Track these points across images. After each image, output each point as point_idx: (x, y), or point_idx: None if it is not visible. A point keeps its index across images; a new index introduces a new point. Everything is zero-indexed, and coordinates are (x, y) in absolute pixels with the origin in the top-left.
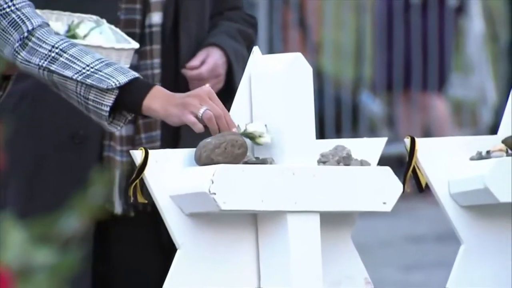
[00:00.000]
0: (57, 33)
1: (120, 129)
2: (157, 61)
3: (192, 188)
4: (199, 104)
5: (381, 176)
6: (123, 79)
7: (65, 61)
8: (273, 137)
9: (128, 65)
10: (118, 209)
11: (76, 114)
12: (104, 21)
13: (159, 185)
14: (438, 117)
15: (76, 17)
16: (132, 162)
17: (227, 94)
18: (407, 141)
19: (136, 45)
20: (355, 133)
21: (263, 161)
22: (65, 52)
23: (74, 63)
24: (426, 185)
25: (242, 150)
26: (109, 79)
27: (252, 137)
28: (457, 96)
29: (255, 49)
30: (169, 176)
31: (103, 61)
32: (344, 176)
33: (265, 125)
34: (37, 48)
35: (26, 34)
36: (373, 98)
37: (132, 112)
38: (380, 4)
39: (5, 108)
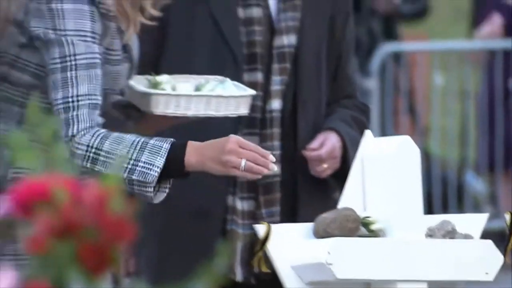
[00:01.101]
0: (91, 127)
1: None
2: (277, 143)
3: (311, 259)
4: (237, 159)
5: (483, 249)
6: (160, 162)
7: (104, 159)
8: (385, 222)
9: (247, 111)
10: (239, 277)
11: (202, 192)
12: (228, 79)
13: (281, 256)
14: None
15: (203, 78)
16: (253, 234)
17: (342, 174)
18: (508, 216)
19: (252, 92)
20: (460, 209)
21: (375, 234)
22: (101, 150)
23: (113, 159)
24: None
25: (355, 224)
26: (150, 169)
27: (366, 223)
28: None
29: (367, 133)
30: (289, 247)
31: (136, 146)
32: (450, 249)
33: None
34: (76, 151)
35: (69, 137)
36: (476, 177)
37: (175, 178)
38: (482, 92)
39: None
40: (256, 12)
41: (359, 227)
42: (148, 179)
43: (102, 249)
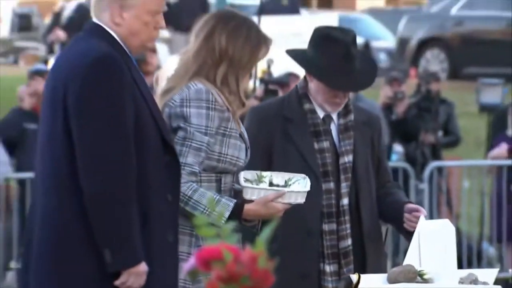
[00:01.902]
0: (186, 182)
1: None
2: (348, 225)
3: None
4: (278, 210)
5: None
6: (226, 214)
7: (192, 205)
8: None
9: (303, 201)
10: None
11: (303, 260)
12: (307, 178)
13: None
14: None
15: (291, 175)
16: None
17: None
18: (511, 271)
19: (306, 188)
20: (479, 266)
21: (427, 281)
22: (191, 198)
23: (199, 205)
24: None
25: (414, 275)
26: (220, 218)
27: (421, 274)
28: None
29: (422, 217)
30: None
31: (213, 201)
32: None
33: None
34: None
35: None
36: (489, 246)
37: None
38: (493, 192)
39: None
40: (326, 144)
41: (416, 276)
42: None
43: None
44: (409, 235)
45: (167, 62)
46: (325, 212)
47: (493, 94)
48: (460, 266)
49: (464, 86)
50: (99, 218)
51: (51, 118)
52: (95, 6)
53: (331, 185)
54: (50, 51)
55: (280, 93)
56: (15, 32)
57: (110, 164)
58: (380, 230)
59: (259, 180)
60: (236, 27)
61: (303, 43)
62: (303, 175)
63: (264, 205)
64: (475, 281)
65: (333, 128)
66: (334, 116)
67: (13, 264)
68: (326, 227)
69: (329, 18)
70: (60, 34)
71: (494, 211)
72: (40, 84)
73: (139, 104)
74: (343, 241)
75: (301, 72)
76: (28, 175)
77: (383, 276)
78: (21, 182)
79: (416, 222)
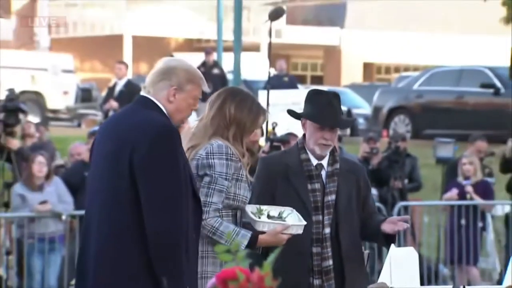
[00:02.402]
0: (213, 217)
1: None
2: (329, 249)
3: None
4: (283, 240)
5: None
6: (245, 243)
7: (220, 235)
8: None
9: (300, 232)
10: None
11: (296, 276)
12: (294, 211)
13: None
14: None
15: (282, 208)
16: None
17: (391, 240)
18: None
19: (304, 222)
20: (436, 284)
21: None
22: (217, 229)
23: (224, 235)
24: None
25: None
26: (239, 246)
27: None
28: None
29: (392, 245)
30: None
31: (234, 231)
32: None
33: None
34: (205, 226)
35: (204, 220)
36: (444, 267)
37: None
38: (447, 226)
39: None
40: (317, 185)
41: None
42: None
43: None
44: (386, 239)
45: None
46: (314, 238)
47: (446, 150)
48: (422, 283)
49: (424, 144)
50: (159, 251)
51: (114, 171)
52: (153, 85)
53: (320, 217)
54: (106, 116)
55: (282, 149)
56: (79, 102)
57: (170, 209)
58: (360, 254)
59: (259, 212)
60: (242, 100)
61: (300, 110)
62: (290, 208)
63: (274, 236)
64: None
65: (323, 173)
66: (325, 165)
67: (74, 282)
68: (314, 249)
69: None
70: (114, 104)
71: (447, 240)
72: None
73: (184, 165)
74: (325, 261)
75: (299, 132)
76: None
77: None
78: (81, 218)
79: (396, 226)
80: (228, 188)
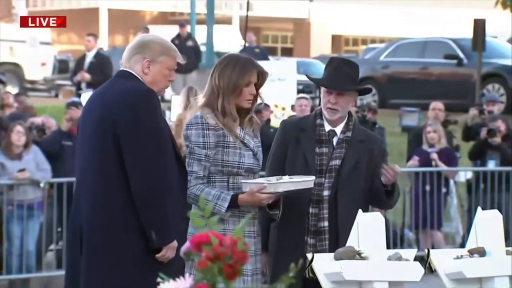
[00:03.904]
0: (194, 186)
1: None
2: (326, 211)
3: (333, 270)
4: (261, 199)
5: (414, 266)
6: (226, 205)
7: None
8: (368, 253)
9: (281, 191)
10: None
11: (298, 234)
12: (289, 176)
13: (319, 268)
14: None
15: (284, 176)
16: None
17: (390, 190)
18: (426, 251)
19: (313, 177)
20: (402, 247)
21: (363, 259)
22: (199, 196)
23: (206, 202)
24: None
25: (354, 254)
26: (221, 208)
27: (359, 253)
28: None
29: (359, 211)
30: (323, 264)
31: (217, 197)
32: (398, 265)
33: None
34: (189, 194)
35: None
36: (409, 232)
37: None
38: (412, 191)
39: None
40: (325, 150)
41: (356, 255)
42: (221, 212)
43: (234, 267)
44: (385, 192)
45: (172, 100)
46: (314, 199)
47: (411, 119)
48: (388, 247)
49: (390, 113)
50: (144, 208)
51: (100, 138)
52: (128, 59)
53: (322, 180)
54: (78, 88)
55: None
56: (56, 74)
57: (154, 169)
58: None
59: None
60: (225, 65)
61: (271, 81)
62: (287, 176)
63: (251, 195)
64: (399, 258)
65: (335, 140)
66: (338, 132)
67: (52, 246)
68: (311, 210)
69: (290, 63)
70: (86, 75)
71: (412, 205)
72: (74, 112)
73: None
74: (321, 222)
75: (272, 102)
76: (63, 179)
77: (331, 255)
78: (59, 185)
79: (390, 175)
80: (207, 156)
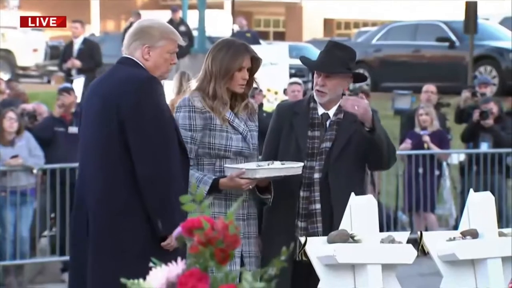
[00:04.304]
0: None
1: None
2: (318, 193)
3: (326, 253)
4: (240, 184)
5: (407, 248)
6: (207, 189)
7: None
8: (361, 236)
9: (258, 176)
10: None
11: (289, 216)
12: (278, 162)
13: (312, 251)
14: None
15: (274, 161)
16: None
17: (371, 136)
18: (419, 233)
19: (301, 164)
20: (395, 229)
21: (357, 242)
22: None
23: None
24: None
25: (347, 237)
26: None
27: (352, 236)
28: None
29: (352, 195)
30: (316, 247)
31: (199, 180)
32: (392, 248)
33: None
34: None
35: None
36: (403, 214)
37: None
38: (405, 174)
39: None
40: (317, 133)
41: (349, 238)
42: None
43: (225, 251)
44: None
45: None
46: (305, 182)
47: (404, 102)
48: (381, 230)
49: (382, 96)
50: (151, 194)
51: (104, 124)
52: (128, 46)
53: (313, 163)
54: (68, 75)
55: None
56: (48, 60)
57: (159, 155)
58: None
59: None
60: (219, 50)
61: (262, 66)
62: (277, 162)
63: (231, 180)
64: (392, 241)
65: (328, 123)
66: (331, 114)
67: (46, 233)
68: (302, 193)
69: (282, 47)
70: (76, 62)
71: (406, 188)
72: (66, 98)
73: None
74: (312, 205)
75: (263, 87)
76: (56, 165)
77: (324, 238)
78: (52, 171)
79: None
80: (193, 138)
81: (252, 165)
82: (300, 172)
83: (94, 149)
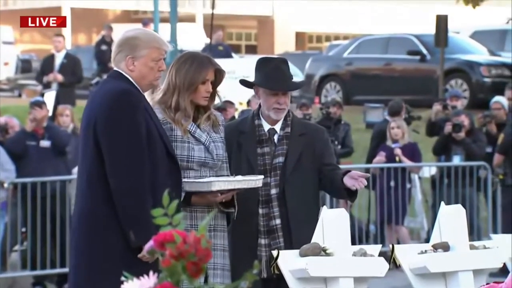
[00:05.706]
0: None
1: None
2: (277, 209)
3: (298, 266)
4: (215, 199)
5: (379, 261)
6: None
7: None
8: (333, 249)
9: (210, 189)
10: (264, 275)
11: (251, 235)
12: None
13: (284, 265)
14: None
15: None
16: (270, 256)
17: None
18: (390, 246)
19: (261, 177)
20: (367, 243)
21: (328, 255)
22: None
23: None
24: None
25: (319, 250)
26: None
27: (324, 250)
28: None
29: (324, 207)
30: (288, 261)
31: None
32: (364, 261)
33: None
34: None
35: None
36: (374, 227)
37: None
38: (378, 188)
39: None
40: (266, 149)
41: (321, 251)
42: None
43: (198, 264)
44: (346, 192)
45: None
46: (262, 200)
47: (375, 115)
48: (353, 243)
49: (354, 109)
50: (121, 208)
51: (86, 140)
52: (115, 59)
53: (268, 180)
54: (46, 87)
55: None
56: (19, 73)
57: (130, 168)
58: (310, 212)
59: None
60: (183, 62)
61: (234, 79)
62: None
63: (202, 197)
64: (364, 254)
65: (276, 138)
66: (278, 129)
67: (17, 247)
68: (260, 210)
69: (254, 60)
70: (59, 76)
71: (377, 201)
72: (37, 112)
73: (150, 126)
74: (271, 221)
75: (236, 99)
76: (27, 180)
77: (296, 252)
78: (23, 185)
79: (356, 182)
80: None
81: (211, 178)
82: (261, 185)
83: (80, 166)
